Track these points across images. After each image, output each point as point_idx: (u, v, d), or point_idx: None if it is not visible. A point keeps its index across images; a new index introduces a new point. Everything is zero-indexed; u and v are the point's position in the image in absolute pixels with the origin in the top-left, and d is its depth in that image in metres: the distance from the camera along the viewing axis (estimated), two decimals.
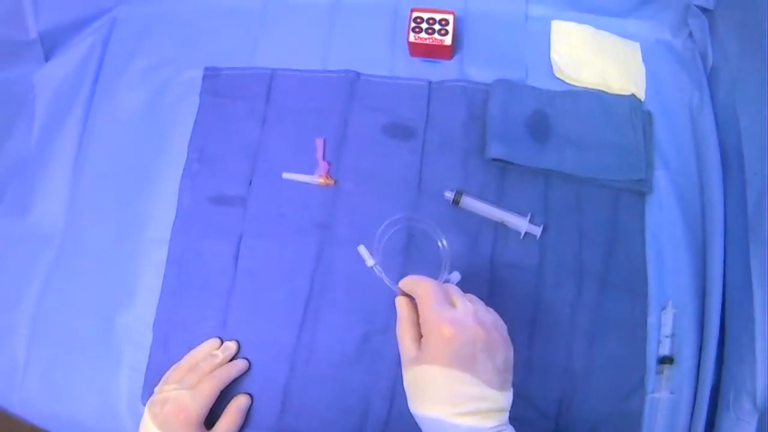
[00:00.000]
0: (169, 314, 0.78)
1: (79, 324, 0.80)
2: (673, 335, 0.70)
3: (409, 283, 0.58)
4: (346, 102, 0.82)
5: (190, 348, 0.74)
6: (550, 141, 0.77)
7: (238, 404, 0.71)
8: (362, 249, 0.66)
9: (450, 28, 0.81)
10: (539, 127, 0.77)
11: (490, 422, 0.51)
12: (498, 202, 0.76)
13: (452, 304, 0.56)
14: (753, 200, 0.65)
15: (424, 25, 0.81)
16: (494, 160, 0.76)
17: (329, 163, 0.80)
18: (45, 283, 0.83)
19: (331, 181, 0.79)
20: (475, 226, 0.76)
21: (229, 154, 0.82)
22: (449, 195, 0.75)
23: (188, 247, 0.80)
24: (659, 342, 0.71)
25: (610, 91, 0.80)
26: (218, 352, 0.73)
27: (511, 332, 0.71)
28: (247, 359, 0.74)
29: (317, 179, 0.79)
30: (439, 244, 0.69)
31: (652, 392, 0.70)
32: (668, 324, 0.70)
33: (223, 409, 0.71)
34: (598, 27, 0.85)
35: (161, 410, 0.66)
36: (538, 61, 0.83)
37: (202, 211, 0.81)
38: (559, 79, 0.82)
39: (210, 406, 0.68)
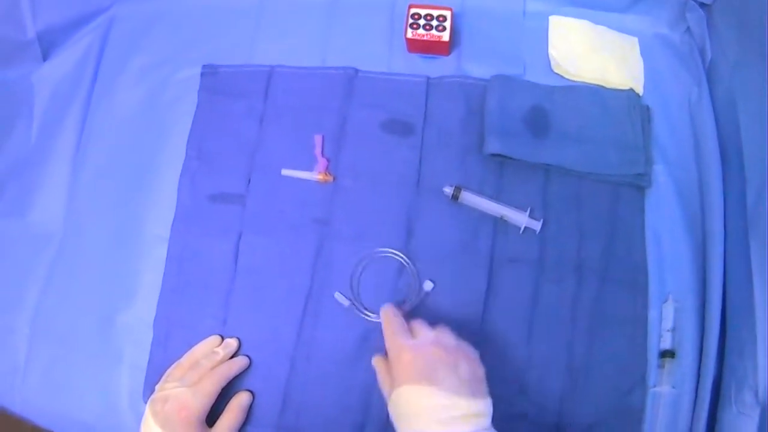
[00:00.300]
0: (170, 312, 0.78)
1: (79, 322, 0.80)
2: (674, 329, 0.70)
3: (383, 326, 0.66)
4: (344, 98, 0.82)
5: (191, 345, 0.74)
6: (548, 136, 0.77)
7: (239, 401, 0.71)
8: (338, 295, 0.75)
9: (448, 24, 0.81)
10: (538, 122, 0.77)
11: (467, 427, 0.54)
12: (497, 197, 0.75)
13: (414, 335, 0.64)
14: (753, 193, 0.65)
15: (422, 21, 0.81)
16: (493, 155, 0.75)
17: (328, 160, 0.80)
18: (45, 282, 0.83)
19: (330, 178, 0.79)
20: (475, 221, 0.75)
21: (227, 152, 0.82)
22: (448, 190, 0.75)
23: (188, 244, 0.79)
24: (660, 336, 0.71)
25: (608, 86, 0.80)
26: (219, 350, 0.73)
27: (510, 328, 0.72)
28: (247, 356, 0.74)
29: (316, 176, 0.79)
30: (403, 263, 0.75)
31: (654, 386, 0.69)
32: (669, 318, 0.70)
33: (224, 407, 0.71)
34: (596, 22, 0.84)
35: (162, 408, 0.65)
36: (536, 56, 0.83)
37: (201, 208, 0.81)
38: (557, 74, 0.82)
39: (211, 403, 0.68)
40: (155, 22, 0.93)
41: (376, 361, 0.67)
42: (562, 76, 0.82)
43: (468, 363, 0.59)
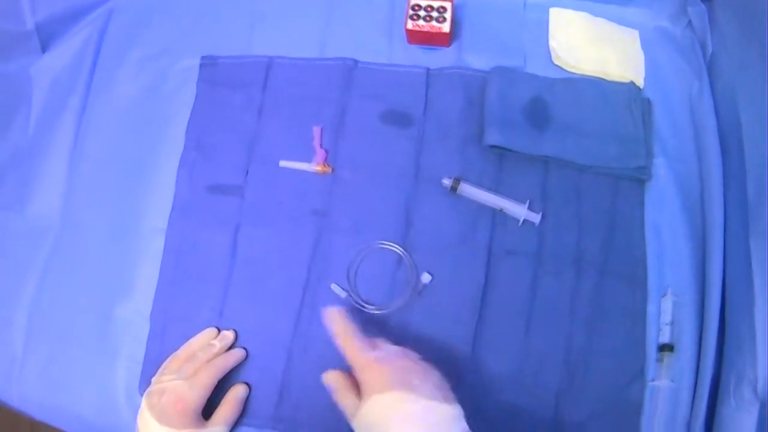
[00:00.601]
0: (167, 304, 0.77)
1: (76, 316, 0.80)
2: (672, 323, 0.69)
3: (333, 331, 0.65)
4: (343, 90, 0.82)
5: (188, 338, 0.74)
6: (548, 128, 0.76)
7: (236, 394, 0.71)
8: (334, 286, 0.74)
9: (448, 15, 0.80)
10: (538, 114, 0.77)
11: (447, 430, 0.54)
12: (496, 189, 0.75)
13: (375, 347, 0.62)
14: (753, 187, 0.65)
15: (422, 13, 0.81)
16: (492, 147, 0.75)
17: (327, 151, 0.79)
18: (42, 275, 0.83)
19: (328, 169, 0.78)
20: (473, 213, 0.75)
21: (226, 143, 0.82)
22: (447, 182, 0.75)
23: (185, 236, 0.79)
24: (659, 330, 0.70)
25: (608, 79, 0.80)
26: (215, 342, 0.73)
27: (508, 321, 0.72)
28: (244, 348, 0.74)
29: (314, 167, 0.78)
30: (401, 255, 0.74)
31: (652, 380, 0.69)
32: (668, 311, 0.70)
33: (220, 399, 0.70)
34: (597, 14, 0.84)
35: (158, 400, 0.65)
36: (537, 48, 0.83)
37: (199, 200, 0.80)
38: (557, 66, 0.82)
39: (207, 396, 0.68)
40: (154, 14, 0.93)
41: (332, 377, 0.64)
42: (562, 68, 0.81)
43: (436, 374, 0.60)
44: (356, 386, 0.61)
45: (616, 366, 0.70)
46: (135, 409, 0.69)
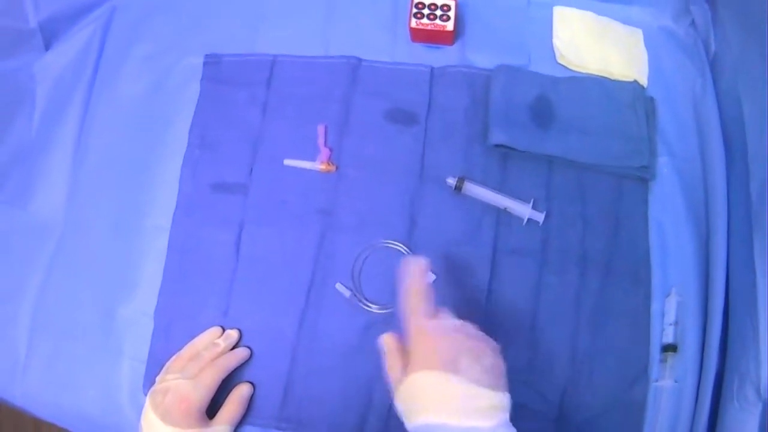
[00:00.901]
0: (171, 303, 0.77)
1: (80, 314, 0.80)
2: (676, 323, 0.69)
3: (405, 284, 0.61)
4: (347, 88, 0.82)
5: (192, 337, 0.74)
6: (552, 127, 0.76)
7: (240, 393, 0.71)
8: (339, 286, 0.74)
9: (452, 13, 0.80)
10: (542, 113, 0.77)
11: (486, 421, 0.50)
12: (500, 189, 0.75)
13: (435, 316, 0.59)
14: (756, 186, 0.65)
15: (426, 11, 0.81)
16: (496, 146, 0.75)
17: (331, 150, 0.79)
18: (46, 273, 0.82)
19: (332, 168, 0.78)
20: (478, 212, 0.75)
21: (230, 141, 0.82)
22: (451, 181, 0.75)
23: (189, 235, 0.79)
24: (663, 330, 0.70)
25: (612, 78, 0.80)
26: (220, 341, 0.73)
27: (513, 320, 0.71)
28: (249, 348, 0.74)
29: (319, 166, 0.78)
30: (404, 253, 0.74)
31: (656, 380, 0.69)
32: (671, 311, 0.70)
33: (225, 398, 0.70)
34: (601, 13, 0.84)
35: (163, 400, 0.65)
36: (541, 47, 0.83)
37: (203, 198, 0.80)
38: (561, 65, 0.82)
39: (212, 395, 0.68)
40: (157, 11, 0.93)
41: (387, 340, 0.61)
42: (566, 67, 0.81)
43: (491, 355, 0.55)
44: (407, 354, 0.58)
45: (620, 365, 0.70)
46: (138, 408, 0.69)
